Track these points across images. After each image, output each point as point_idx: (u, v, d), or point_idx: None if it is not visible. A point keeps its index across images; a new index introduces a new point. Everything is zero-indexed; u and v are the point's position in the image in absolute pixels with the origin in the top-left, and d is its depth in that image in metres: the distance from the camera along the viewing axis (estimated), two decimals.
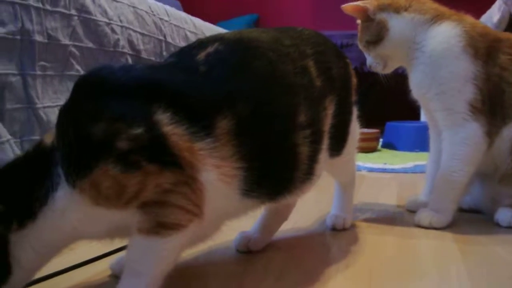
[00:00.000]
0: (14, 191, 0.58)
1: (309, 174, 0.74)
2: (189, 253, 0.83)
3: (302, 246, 0.92)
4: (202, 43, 0.70)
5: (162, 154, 0.57)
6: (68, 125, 0.58)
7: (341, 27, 3.01)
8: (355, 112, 0.93)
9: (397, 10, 1.05)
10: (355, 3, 1.08)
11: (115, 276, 0.74)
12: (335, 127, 0.82)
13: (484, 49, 1.00)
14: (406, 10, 1.05)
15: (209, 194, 0.60)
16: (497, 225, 1.01)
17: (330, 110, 0.80)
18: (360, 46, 1.13)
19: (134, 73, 0.63)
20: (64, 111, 0.60)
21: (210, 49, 0.67)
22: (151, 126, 0.56)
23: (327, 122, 0.79)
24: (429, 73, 1.02)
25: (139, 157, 0.55)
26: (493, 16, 2.40)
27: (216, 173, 0.61)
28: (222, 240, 0.85)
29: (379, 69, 1.11)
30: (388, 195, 1.37)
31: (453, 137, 1.01)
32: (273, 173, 0.69)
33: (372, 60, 1.11)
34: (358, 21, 1.13)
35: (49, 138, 0.59)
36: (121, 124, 0.55)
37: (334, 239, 0.95)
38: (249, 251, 0.87)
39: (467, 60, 0.99)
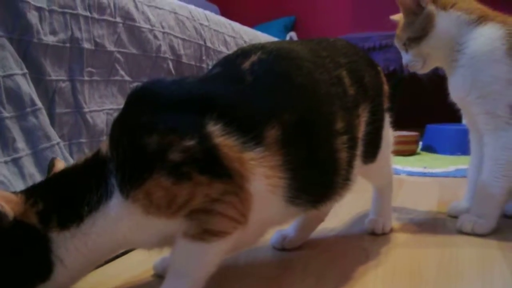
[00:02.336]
0: (62, 193, 0.61)
1: (347, 179, 0.76)
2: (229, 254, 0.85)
3: (340, 249, 0.92)
4: (245, 52, 0.72)
5: (212, 166, 0.58)
6: (122, 137, 0.60)
7: (380, 28, 2.97)
8: (387, 118, 0.94)
9: (444, 6, 1.03)
10: None
11: (158, 276, 0.77)
12: (368, 134, 0.83)
13: None
14: (452, 7, 1.03)
15: (256, 202, 0.62)
16: None
17: (363, 118, 0.82)
18: (399, 45, 1.11)
19: (186, 87, 0.65)
20: (118, 123, 0.63)
21: (254, 57, 0.69)
22: (203, 138, 0.58)
23: (361, 129, 0.81)
24: (469, 75, 1.00)
25: (191, 168, 0.57)
26: None
27: (265, 182, 0.62)
28: (262, 241, 0.86)
29: (417, 68, 1.09)
30: (428, 200, 1.34)
31: (496, 142, 0.98)
32: (317, 179, 0.71)
33: (410, 59, 1.08)
34: (394, 17, 1.11)
35: (105, 147, 0.62)
36: (174, 137, 0.57)
37: (372, 243, 0.95)
38: (284, 249, 0.90)
39: (510, 63, 0.96)
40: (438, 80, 1.15)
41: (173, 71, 1.45)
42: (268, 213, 0.66)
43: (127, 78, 1.26)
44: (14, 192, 0.63)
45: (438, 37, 1.03)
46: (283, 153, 0.63)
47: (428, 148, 2.40)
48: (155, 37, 1.38)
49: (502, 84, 0.96)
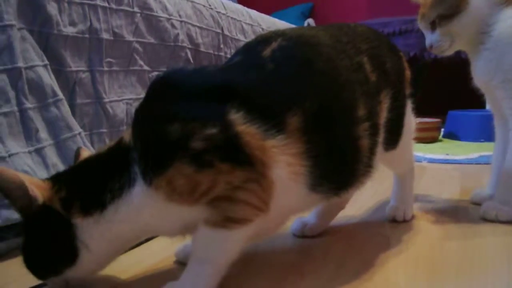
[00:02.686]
0: (84, 180, 0.63)
1: (368, 166, 0.76)
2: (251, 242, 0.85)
3: (361, 236, 0.92)
4: (265, 39, 0.71)
5: (234, 154, 0.58)
6: (145, 126, 0.61)
7: (398, 13, 2.92)
8: (409, 105, 0.92)
9: None
10: None
11: (180, 263, 0.78)
12: (390, 121, 0.82)
13: None
14: None
15: (278, 190, 0.62)
16: None
17: (385, 104, 0.81)
18: (424, 24, 1.05)
19: (207, 75, 0.65)
20: (140, 112, 0.63)
21: (275, 44, 0.69)
22: (225, 126, 0.58)
23: (382, 116, 0.80)
24: (494, 59, 0.97)
25: (213, 156, 0.57)
26: None
27: (287, 170, 0.62)
28: (282, 228, 0.87)
29: (444, 48, 1.03)
30: (450, 187, 1.32)
31: None
32: (339, 167, 0.70)
33: (437, 39, 1.03)
34: None
35: (128, 136, 0.63)
36: (196, 125, 0.58)
37: (394, 230, 0.94)
38: (304, 236, 0.90)
39: None
40: (460, 65, 1.11)
41: (191, 60, 1.46)
42: (290, 200, 0.66)
43: (146, 67, 1.27)
44: (42, 180, 0.65)
45: (471, 16, 0.99)
46: (305, 141, 0.63)
47: (450, 135, 2.36)
48: (173, 26, 1.38)
49: None
